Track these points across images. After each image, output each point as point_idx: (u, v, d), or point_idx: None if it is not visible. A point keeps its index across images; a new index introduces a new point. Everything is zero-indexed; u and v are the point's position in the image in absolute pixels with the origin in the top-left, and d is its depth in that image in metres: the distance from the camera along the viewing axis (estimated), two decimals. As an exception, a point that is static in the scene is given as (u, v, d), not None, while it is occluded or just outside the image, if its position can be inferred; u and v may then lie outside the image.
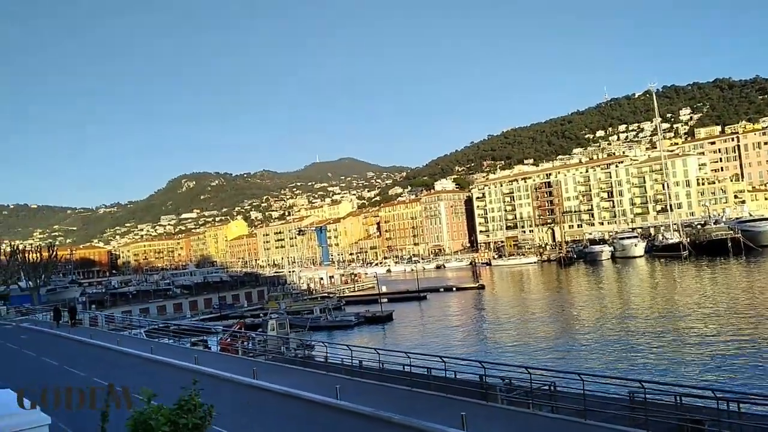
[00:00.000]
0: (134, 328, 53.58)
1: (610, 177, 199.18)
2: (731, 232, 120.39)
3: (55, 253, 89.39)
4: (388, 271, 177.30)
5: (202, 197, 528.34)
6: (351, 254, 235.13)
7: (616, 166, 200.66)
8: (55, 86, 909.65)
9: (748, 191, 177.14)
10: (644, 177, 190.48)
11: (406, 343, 52.01)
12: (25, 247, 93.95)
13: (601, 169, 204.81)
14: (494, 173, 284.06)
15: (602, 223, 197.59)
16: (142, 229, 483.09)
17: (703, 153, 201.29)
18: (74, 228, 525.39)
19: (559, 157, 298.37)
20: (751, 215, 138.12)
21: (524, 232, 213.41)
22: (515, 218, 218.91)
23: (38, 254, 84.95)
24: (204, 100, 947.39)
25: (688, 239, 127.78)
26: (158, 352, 32.38)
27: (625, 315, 60.20)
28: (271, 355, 39.27)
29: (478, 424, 16.44)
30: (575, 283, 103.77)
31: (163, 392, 21.65)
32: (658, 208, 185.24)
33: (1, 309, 67.80)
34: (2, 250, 79.09)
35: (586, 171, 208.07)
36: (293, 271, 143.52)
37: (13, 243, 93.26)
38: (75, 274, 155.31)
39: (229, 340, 45.59)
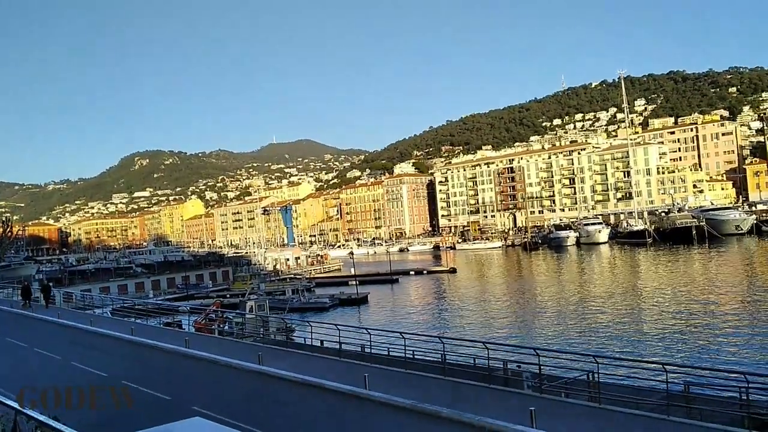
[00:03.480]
0: (98, 308, 50.48)
1: (573, 164, 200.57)
2: (695, 220, 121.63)
3: (10, 228, 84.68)
4: (351, 253, 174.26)
5: (155, 176, 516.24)
6: (312, 236, 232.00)
7: (579, 153, 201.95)
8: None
9: (707, 181, 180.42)
10: (606, 165, 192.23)
11: (387, 325, 49.97)
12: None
13: (564, 156, 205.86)
14: (454, 158, 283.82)
15: (563, 210, 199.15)
16: (93, 207, 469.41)
17: (662, 143, 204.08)
18: (21, 204, 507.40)
19: (517, 144, 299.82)
20: (713, 204, 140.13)
21: (486, 217, 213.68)
22: (477, 203, 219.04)
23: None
24: (159, 76, 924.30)
25: (653, 227, 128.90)
26: (141, 333, 29.66)
27: (610, 298, 59.45)
28: (251, 338, 37.05)
29: (544, 419, 14.51)
30: (545, 267, 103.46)
31: (161, 380, 18.84)
32: (619, 195, 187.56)
33: (-51, 287, 63.11)
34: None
35: (549, 158, 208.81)
36: (253, 252, 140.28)
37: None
38: (27, 251, 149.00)
39: (204, 321, 42.95)
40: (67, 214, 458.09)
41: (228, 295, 74.73)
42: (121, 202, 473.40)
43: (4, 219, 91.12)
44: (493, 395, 17.67)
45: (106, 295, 66.97)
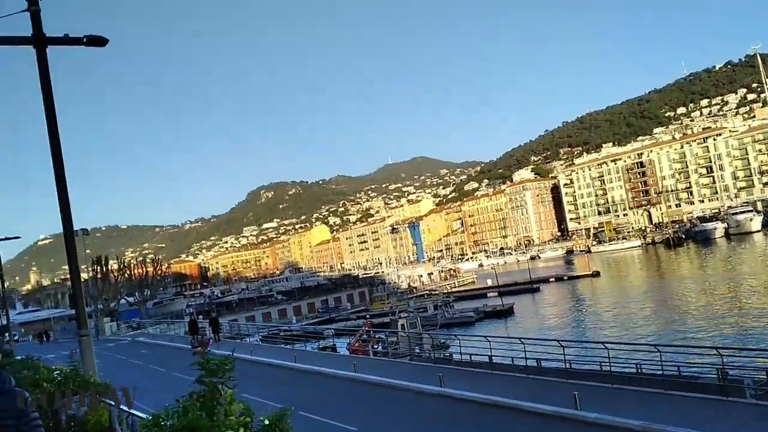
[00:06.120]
0: (248, 336, 51.27)
1: (708, 151, 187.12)
2: None
3: (159, 267, 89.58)
4: (480, 265, 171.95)
5: (280, 206, 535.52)
6: (438, 251, 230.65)
7: (714, 140, 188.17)
8: (135, 111, 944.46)
9: None
10: (746, 148, 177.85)
11: (547, 336, 47.04)
12: (130, 261, 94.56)
13: (698, 144, 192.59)
14: (576, 159, 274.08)
15: (702, 201, 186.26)
16: (226, 242, 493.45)
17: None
18: (163, 245, 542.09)
19: (640, 137, 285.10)
20: None
21: (618, 216, 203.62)
22: (607, 202, 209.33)
23: (143, 269, 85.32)
24: (276, 111, 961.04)
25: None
26: (302, 360, 28.86)
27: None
28: (408, 357, 35.72)
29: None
30: (698, 263, 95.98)
31: (339, 409, 17.27)
32: (765, 180, 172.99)
33: (111, 325, 66.65)
34: (110, 267, 79.03)
35: (681, 147, 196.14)
36: (384, 271, 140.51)
37: (121, 259, 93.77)
38: (173, 288, 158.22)
39: (358, 343, 42.20)
40: (203, 250, 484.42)
41: (368, 316, 74.50)
42: (251, 235, 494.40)
43: (153, 259, 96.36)
44: (713, 408, 15.04)
45: (253, 323, 68.40)
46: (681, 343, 35.09)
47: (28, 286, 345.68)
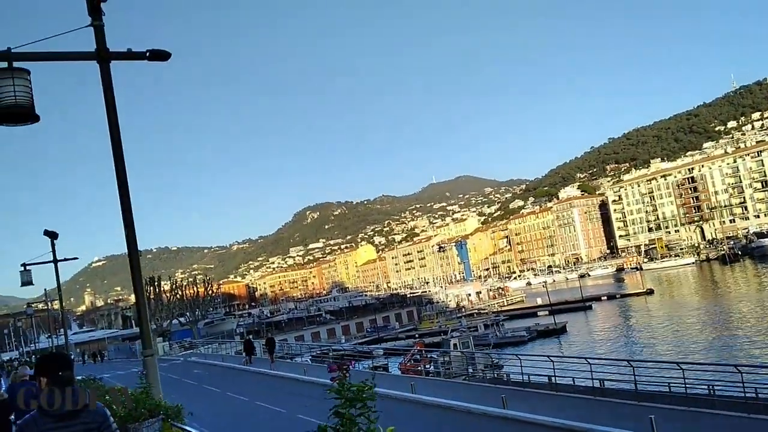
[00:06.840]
0: (298, 356, 51.26)
1: (763, 165, 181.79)
2: None
3: (211, 287, 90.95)
4: (528, 284, 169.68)
5: (326, 227, 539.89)
6: (485, 270, 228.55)
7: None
8: (183, 135, 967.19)
9: None
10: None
11: (604, 355, 45.72)
12: (181, 282, 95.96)
13: (752, 158, 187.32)
14: (623, 176, 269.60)
15: (758, 216, 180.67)
16: (273, 262, 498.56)
17: None
18: (211, 266, 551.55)
19: (689, 152, 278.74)
20: None
21: (669, 232, 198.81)
22: (657, 219, 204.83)
23: (195, 290, 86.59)
24: (319, 132, 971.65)
25: None
26: (357, 381, 28.40)
27: None
28: (463, 377, 35.19)
29: None
30: (758, 279, 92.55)
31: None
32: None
33: (163, 345, 67.43)
34: (161, 288, 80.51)
35: (734, 162, 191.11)
36: (431, 290, 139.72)
37: (173, 279, 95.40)
38: (223, 308, 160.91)
39: (410, 363, 41.75)
40: (251, 271, 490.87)
41: (417, 335, 74.05)
42: (297, 255, 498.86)
43: (203, 279, 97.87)
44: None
45: (302, 342, 68.53)
46: (752, 363, 33.53)
47: (83, 307, 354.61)
